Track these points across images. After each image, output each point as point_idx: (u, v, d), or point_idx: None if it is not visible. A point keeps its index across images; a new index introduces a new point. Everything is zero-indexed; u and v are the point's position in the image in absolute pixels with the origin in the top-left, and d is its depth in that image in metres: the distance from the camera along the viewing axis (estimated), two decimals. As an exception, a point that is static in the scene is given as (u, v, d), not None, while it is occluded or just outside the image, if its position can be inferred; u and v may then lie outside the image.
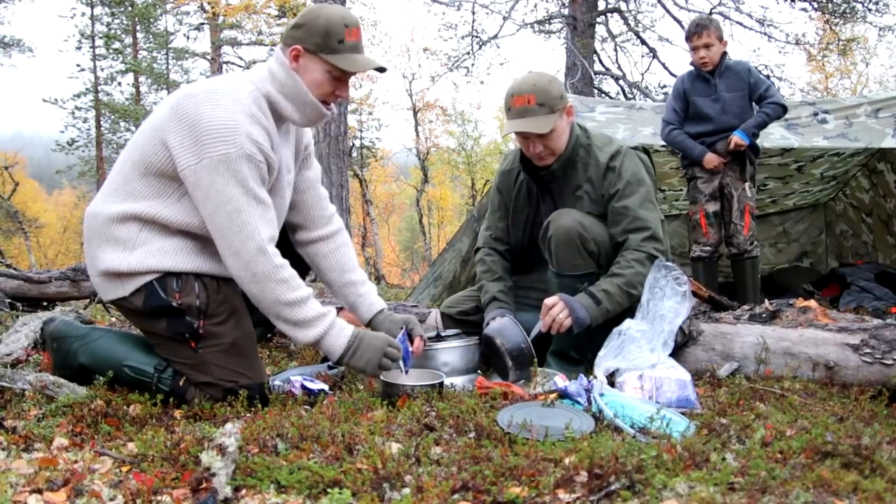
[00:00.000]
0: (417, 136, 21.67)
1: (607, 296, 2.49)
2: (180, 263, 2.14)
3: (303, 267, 2.63)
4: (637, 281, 2.51)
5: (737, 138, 3.91)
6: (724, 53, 4.06)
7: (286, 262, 2.14)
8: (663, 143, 4.39)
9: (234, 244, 2.06)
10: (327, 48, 2.16)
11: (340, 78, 2.23)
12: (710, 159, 4.01)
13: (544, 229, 2.62)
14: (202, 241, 2.17)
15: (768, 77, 11.08)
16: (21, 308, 4.14)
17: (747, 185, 4.06)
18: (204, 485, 1.39)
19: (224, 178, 2.02)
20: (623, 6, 12.33)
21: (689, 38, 4.09)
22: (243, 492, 1.41)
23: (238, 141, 2.03)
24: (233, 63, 19.84)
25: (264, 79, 2.20)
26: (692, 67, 4.14)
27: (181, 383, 2.16)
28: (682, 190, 5.91)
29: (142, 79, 20.96)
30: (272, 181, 2.21)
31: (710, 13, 11.36)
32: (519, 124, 2.58)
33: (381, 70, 2.31)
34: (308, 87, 2.19)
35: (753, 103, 4.06)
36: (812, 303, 2.79)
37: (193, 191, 2.07)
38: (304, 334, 2.16)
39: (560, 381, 2.30)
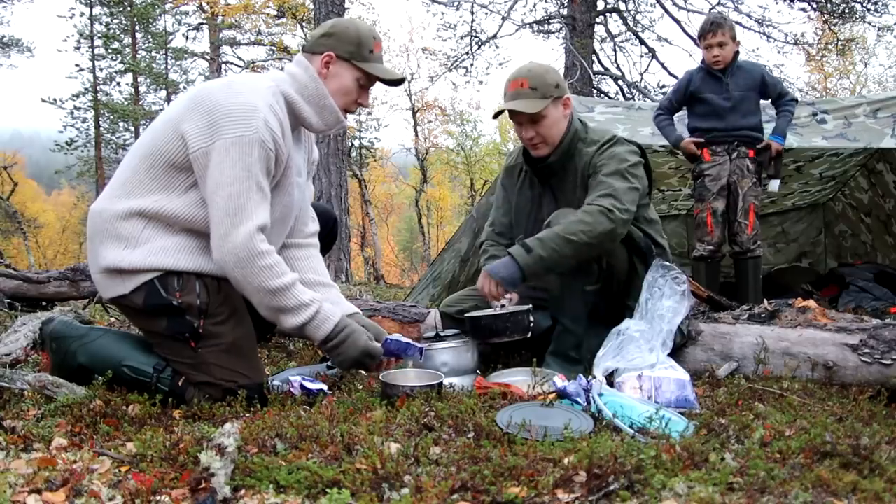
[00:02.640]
0: (416, 136, 21.67)
1: (540, 242, 2.45)
2: (182, 262, 2.14)
3: None
4: (578, 229, 2.43)
5: (776, 145, 4.03)
6: (737, 53, 4.07)
7: (272, 249, 2.13)
8: (662, 143, 4.40)
9: (225, 226, 2.05)
10: (360, 56, 2.27)
11: (365, 86, 2.34)
12: (687, 144, 4.12)
13: (545, 228, 2.61)
14: (205, 239, 2.17)
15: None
16: (20, 308, 4.14)
17: (754, 182, 4.07)
18: (203, 485, 1.39)
19: (231, 160, 2.04)
20: (622, 6, 12.35)
21: (702, 37, 4.09)
22: (242, 492, 1.41)
23: (254, 125, 2.06)
24: (231, 63, 19.85)
25: (283, 80, 2.26)
26: (702, 65, 4.13)
27: (180, 383, 2.16)
28: (681, 190, 5.93)
29: (141, 79, 20.99)
30: (278, 175, 2.22)
31: (709, 13, 11.38)
32: (509, 105, 2.64)
33: (401, 82, 2.42)
34: (334, 93, 2.28)
35: (769, 101, 4.12)
36: (811, 303, 2.79)
37: (200, 172, 2.08)
38: (288, 320, 2.16)
39: (559, 381, 2.30)
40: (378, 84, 2.40)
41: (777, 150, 4.04)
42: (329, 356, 2.27)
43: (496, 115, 2.78)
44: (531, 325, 2.53)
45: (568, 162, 2.73)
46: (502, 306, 2.62)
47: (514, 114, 2.68)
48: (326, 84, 2.27)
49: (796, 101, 4.11)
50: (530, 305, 2.56)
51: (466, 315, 2.58)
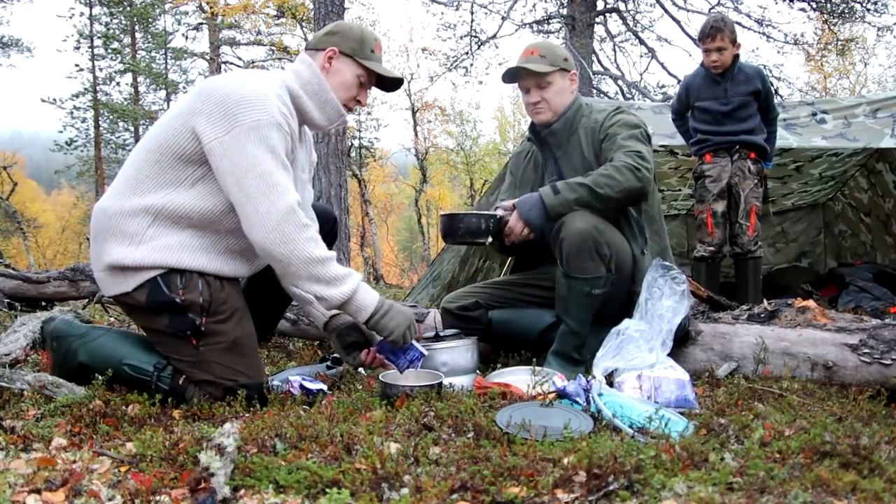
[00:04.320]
0: (416, 136, 21.66)
1: (568, 186, 2.55)
2: (185, 261, 2.15)
3: (275, 313, 2.70)
4: (605, 182, 2.52)
5: (765, 171, 4.18)
6: (737, 56, 4.03)
7: (312, 224, 2.17)
8: (662, 143, 4.41)
9: (264, 205, 2.06)
10: (362, 54, 2.34)
11: (364, 85, 2.38)
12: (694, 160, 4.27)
13: (556, 229, 2.60)
14: (209, 237, 2.18)
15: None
16: (19, 308, 4.15)
17: (755, 183, 4.07)
18: (202, 485, 1.39)
19: (254, 143, 2.05)
20: (622, 6, 12.36)
21: (702, 40, 4.06)
22: (242, 492, 1.41)
23: (269, 110, 2.08)
24: (231, 63, 19.84)
25: (287, 77, 2.30)
26: (702, 67, 4.13)
27: (180, 382, 2.16)
28: (680, 190, 5.93)
29: (140, 79, 20.97)
30: (291, 159, 2.23)
31: (709, 13, 11.39)
32: (519, 63, 2.77)
33: (398, 84, 2.46)
34: (334, 87, 2.32)
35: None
36: (810, 303, 2.79)
37: (219, 162, 2.07)
38: (338, 291, 2.16)
39: (559, 380, 2.30)
40: (376, 89, 2.45)
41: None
42: (378, 327, 2.24)
43: (506, 78, 2.85)
44: (487, 230, 2.61)
45: (571, 134, 2.82)
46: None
47: (522, 79, 2.81)
48: (328, 79, 2.31)
49: (776, 115, 4.21)
50: (496, 213, 2.65)
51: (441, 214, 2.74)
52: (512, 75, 2.82)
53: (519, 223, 2.60)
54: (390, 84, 2.45)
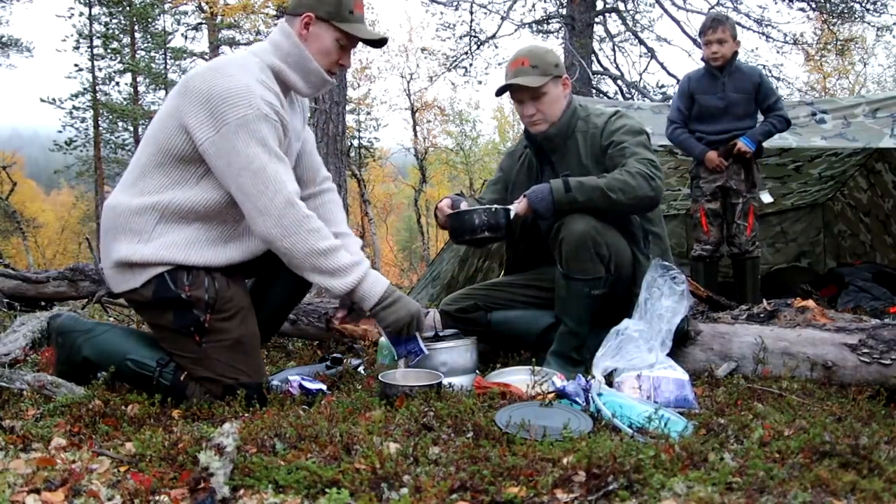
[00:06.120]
0: (415, 135, 21.65)
1: (580, 186, 2.51)
2: (192, 257, 2.16)
3: (279, 316, 2.65)
4: (618, 187, 2.49)
5: (741, 144, 3.96)
6: (735, 53, 4.06)
7: (314, 214, 2.17)
8: (661, 143, 4.41)
9: (262, 202, 2.07)
10: (339, 16, 2.25)
11: (346, 47, 2.32)
12: (711, 158, 4.06)
13: (556, 230, 2.60)
14: (217, 229, 2.20)
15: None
16: (19, 308, 4.15)
17: (750, 184, 4.07)
18: (202, 485, 1.39)
19: (244, 140, 2.06)
20: (621, 6, 12.35)
21: (703, 33, 4.11)
22: (241, 492, 1.41)
23: (253, 103, 2.07)
24: (231, 63, 19.78)
25: (266, 51, 2.26)
26: (702, 63, 4.16)
27: (182, 378, 2.17)
28: (680, 190, 5.93)
29: (140, 78, 20.95)
30: (283, 145, 2.24)
31: (709, 13, 11.39)
32: (512, 81, 2.71)
33: (383, 43, 2.38)
34: (314, 55, 2.27)
35: (759, 111, 4.08)
36: (810, 303, 2.79)
37: (215, 162, 2.09)
38: (341, 282, 2.17)
39: (558, 380, 2.30)
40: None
41: (741, 152, 3.96)
42: (379, 318, 2.27)
43: (499, 93, 2.84)
44: (482, 226, 2.57)
45: (569, 137, 2.79)
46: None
47: (515, 91, 2.76)
48: (307, 46, 2.26)
49: (788, 122, 4.07)
50: (492, 207, 2.60)
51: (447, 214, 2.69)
52: (505, 89, 2.79)
53: (528, 210, 2.59)
54: (374, 42, 2.38)
